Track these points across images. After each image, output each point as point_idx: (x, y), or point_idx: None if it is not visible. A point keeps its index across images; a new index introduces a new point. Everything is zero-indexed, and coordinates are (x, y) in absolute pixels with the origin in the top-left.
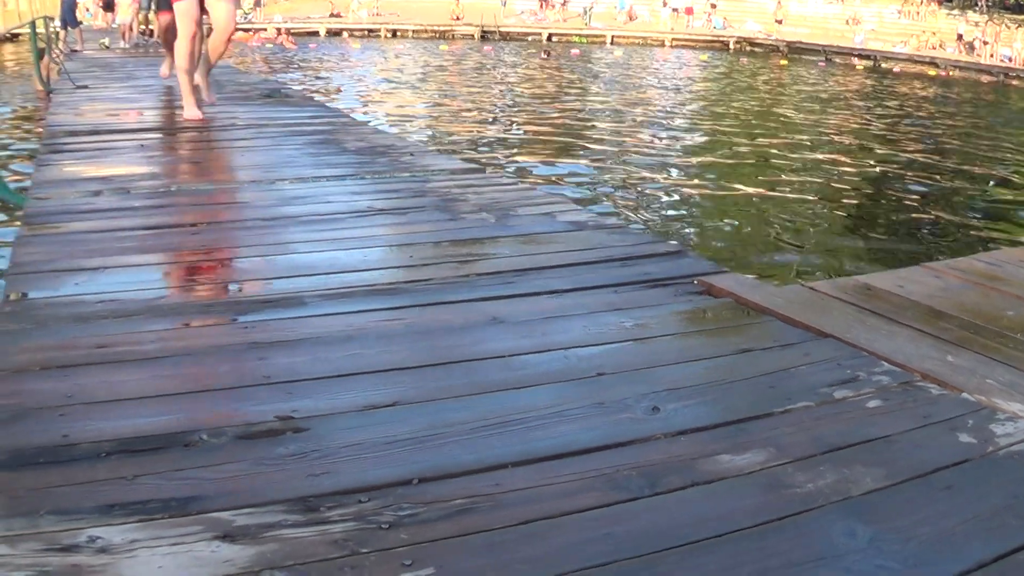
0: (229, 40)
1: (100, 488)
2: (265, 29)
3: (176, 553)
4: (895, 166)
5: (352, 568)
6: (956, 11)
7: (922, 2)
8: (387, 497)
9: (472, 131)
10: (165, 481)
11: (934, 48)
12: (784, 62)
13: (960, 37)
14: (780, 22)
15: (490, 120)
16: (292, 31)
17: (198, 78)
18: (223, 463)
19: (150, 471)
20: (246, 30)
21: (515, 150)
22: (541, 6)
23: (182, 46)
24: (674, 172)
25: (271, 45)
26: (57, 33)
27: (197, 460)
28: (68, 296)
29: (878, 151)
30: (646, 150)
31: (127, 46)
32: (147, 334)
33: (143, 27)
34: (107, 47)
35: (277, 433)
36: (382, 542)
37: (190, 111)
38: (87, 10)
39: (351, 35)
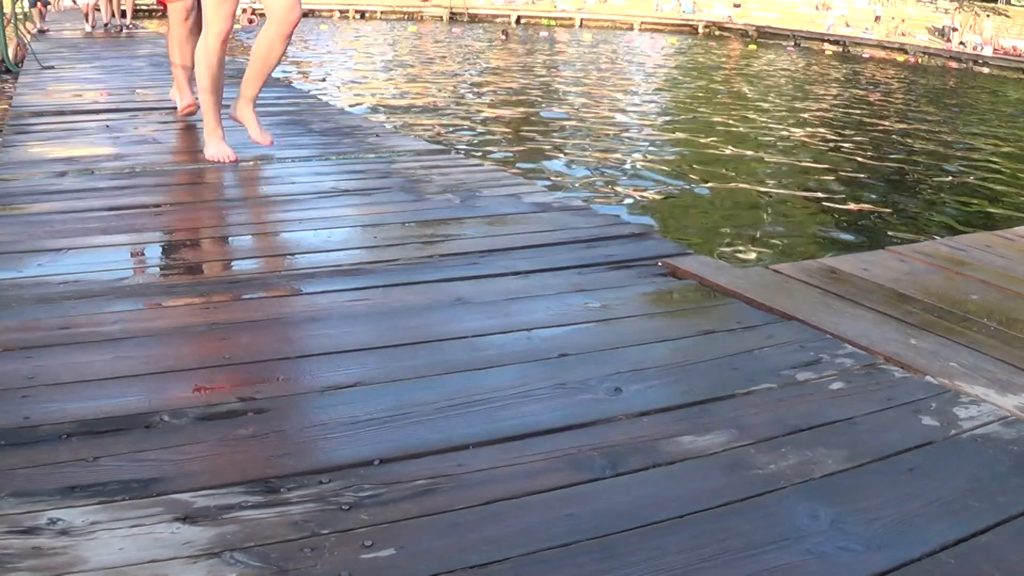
0: (288, 37)
1: (61, 470)
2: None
3: (136, 535)
4: (862, 151)
5: (312, 549)
6: None
7: None
8: (348, 478)
9: (438, 112)
10: (126, 463)
11: (903, 35)
12: (753, 46)
13: (878, 18)
14: (738, 6)
15: (456, 102)
16: (259, 12)
17: (240, 108)
18: (184, 444)
19: (111, 453)
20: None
21: (481, 132)
22: None
23: (209, 51)
24: (640, 155)
25: (238, 26)
26: (26, 13)
27: (158, 441)
28: (31, 277)
29: (845, 135)
30: (612, 133)
31: (89, 28)
32: (110, 315)
33: (123, 8)
34: (90, 33)
35: (238, 414)
36: (342, 523)
37: (215, 147)
38: None
39: (319, 16)
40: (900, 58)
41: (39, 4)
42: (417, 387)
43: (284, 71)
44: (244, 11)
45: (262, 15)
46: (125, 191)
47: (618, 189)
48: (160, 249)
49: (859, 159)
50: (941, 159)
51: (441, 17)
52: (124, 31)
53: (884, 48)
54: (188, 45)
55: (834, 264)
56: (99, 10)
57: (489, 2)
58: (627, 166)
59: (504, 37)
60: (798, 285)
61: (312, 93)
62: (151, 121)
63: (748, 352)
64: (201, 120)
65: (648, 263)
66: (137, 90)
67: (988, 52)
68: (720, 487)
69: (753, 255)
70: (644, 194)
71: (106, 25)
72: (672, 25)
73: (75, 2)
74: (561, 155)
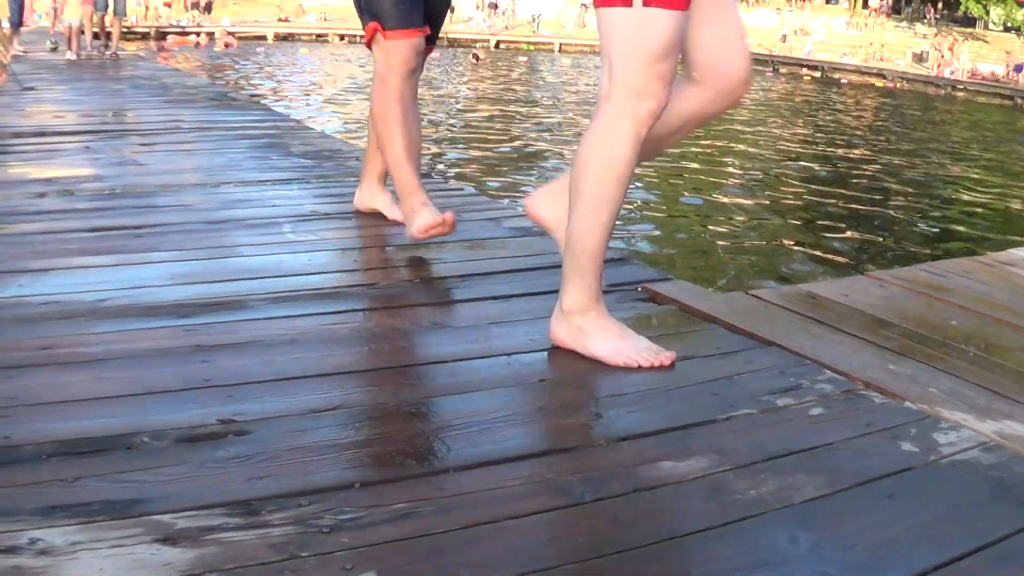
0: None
1: (42, 490)
2: (213, 33)
3: (117, 555)
4: (840, 176)
5: (292, 572)
6: (905, 23)
7: (870, 14)
8: (328, 501)
9: None
10: (107, 483)
11: (881, 60)
12: None
13: (784, 37)
14: None
15: (435, 126)
16: (239, 35)
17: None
18: (165, 466)
19: (92, 473)
20: (184, 33)
21: (460, 156)
22: (489, 13)
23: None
24: None
25: (218, 49)
26: (8, 33)
27: (139, 463)
28: (11, 298)
29: (824, 161)
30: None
31: (73, 56)
32: (91, 336)
33: (96, 30)
34: (55, 48)
35: (219, 436)
36: (323, 546)
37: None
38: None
39: (299, 40)
40: (878, 83)
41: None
42: (398, 411)
43: (264, 91)
44: (211, 35)
45: (243, 38)
46: (105, 212)
47: None
48: (141, 271)
49: (838, 185)
50: (920, 185)
51: None
52: (108, 55)
53: (862, 73)
54: (412, 112)
55: (813, 290)
56: (83, 33)
57: (468, 27)
58: None
59: (475, 61)
60: (777, 311)
61: (292, 116)
62: (131, 143)
63: (728, 378)
64: (178, 140)
65: (628, 288)
66: (119, 112)
67: (965, 77)
68: (700, 512)
69: (732, 281)
70: (624, 219)
71: (90, 55)
72: None
73: (54, 25)
74: (541, 179)
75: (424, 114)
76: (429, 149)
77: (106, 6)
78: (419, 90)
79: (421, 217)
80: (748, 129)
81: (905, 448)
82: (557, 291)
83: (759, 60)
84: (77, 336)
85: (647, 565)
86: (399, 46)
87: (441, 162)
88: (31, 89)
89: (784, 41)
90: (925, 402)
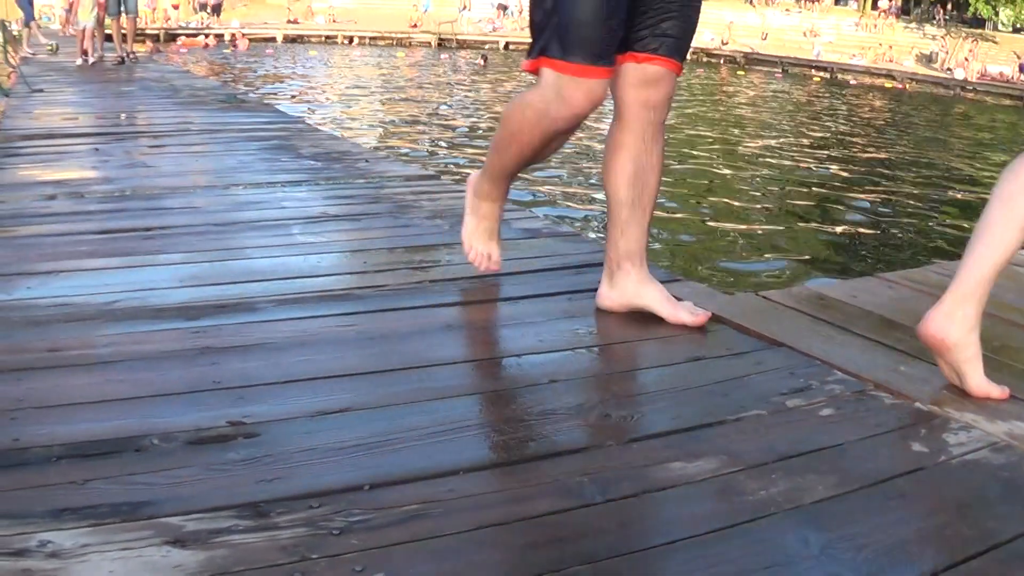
0: None
1: (51, 492)
2: (222, 35)
3: (126, 558)
4: (850, 178)
5: (302, 574)
6: (914, 24)
7: (879, 15)
8: (338, 503)
9: (427, 138)
10: (116, 486)
11: (890, 61)
12: (741, 72)
13: (764, 35)
14: (726, 43)
15: (445, 127)
16: (248, 36)
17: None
18: (174, 468)
19: (101, 476)
20: (195, 34)
21: (469, 158)
22: (498, 15)
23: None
24: None
25: (228, 50)
26: (16, 34)
27: (148, 465)
28: (20, 300)
29: (833, 162)
30: (600, 159)
31: (80, 62)
32: (99, 338)
33: (109, 32)
34: (54, 50)
35: (228, 438)
36: (333, 548)
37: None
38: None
39: (308, 41)
40: (888, 84)
41: (30, 25)
42: (407, 413)
43: (273, 92)
44: (237, 35)
45: (253, 39)
46: (115, 214)
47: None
48: (150, 273)
49: (848, 186)
50: (929, 186)
51: (429, 43)
52: (125, 60)
53: (872, 75)
54: (550, 149)
55: (823, 291)
56: (95, 36)
57: (477, 28)
58: None
59: (483, 63)
60: (787, 312)
61: (301, 118)
62: (141, 145)
63: (738, 378)
64: (187, 142)
65: None
66: (129, 114)
67: (974, 78)
68: (710, 513)
69: (741, 281)
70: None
71: (102, 57)
72: None
73: (65, 29)
74: (550, 181)
75: (429, 113)
76: (439, 152)
77: (118, 8)
78: (425, 92)
79: (477, 236)
80: (758, 130)
81: (915, 448)
82: (566, 292)
83: (769, 61)
84: (86, 338)
85: (657, 566)
86: (575, 87)
87: (451, 164)
88: (40, 91)
89: (765, 39)
90: (935, 403)
